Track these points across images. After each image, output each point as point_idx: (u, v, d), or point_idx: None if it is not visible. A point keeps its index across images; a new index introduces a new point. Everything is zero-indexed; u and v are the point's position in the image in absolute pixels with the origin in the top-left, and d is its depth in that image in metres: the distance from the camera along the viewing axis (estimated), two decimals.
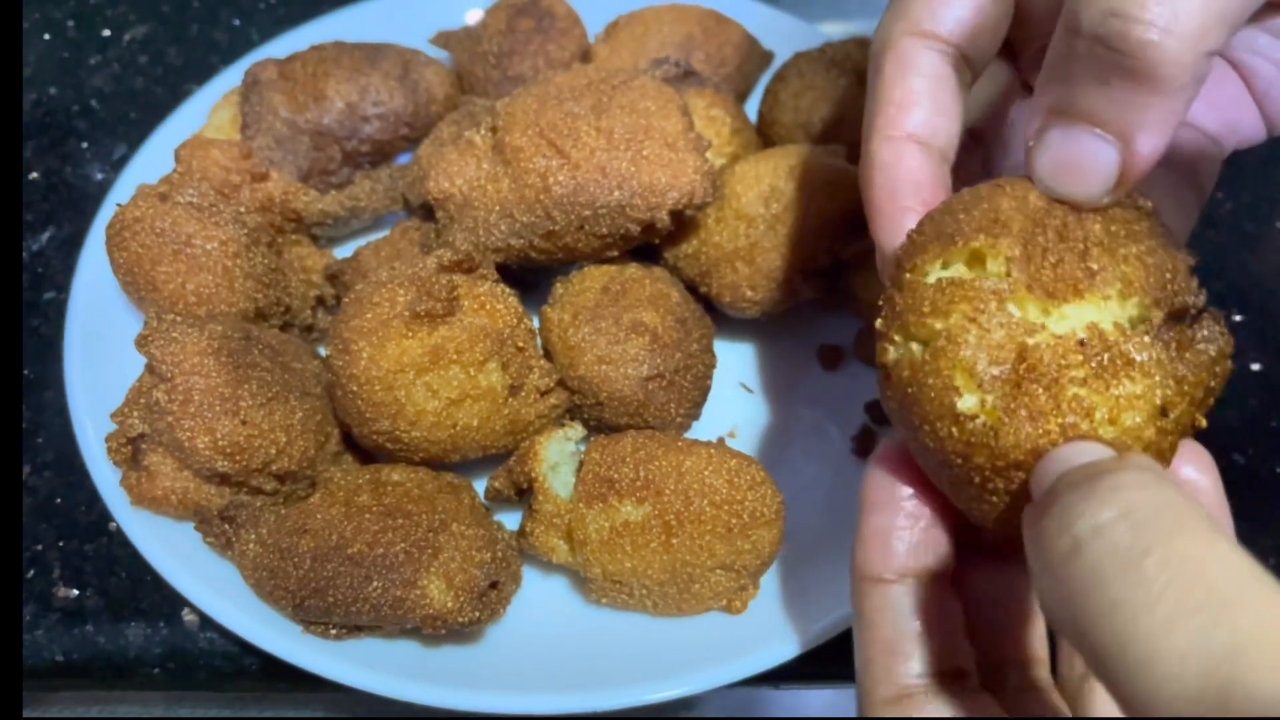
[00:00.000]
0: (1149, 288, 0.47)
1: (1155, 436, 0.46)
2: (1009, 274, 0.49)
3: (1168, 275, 0.48)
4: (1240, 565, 0.34)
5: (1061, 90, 0.49)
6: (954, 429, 0.48)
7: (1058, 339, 0.47)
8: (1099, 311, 0.48)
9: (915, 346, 0.51)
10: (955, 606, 0.52)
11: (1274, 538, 0.86)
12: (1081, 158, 0.49)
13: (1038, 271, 0.48)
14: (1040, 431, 0.46)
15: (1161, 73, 0.45)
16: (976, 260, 0.50)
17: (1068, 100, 0.49)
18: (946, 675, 0.50)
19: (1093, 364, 0.46)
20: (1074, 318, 0.48)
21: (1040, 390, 0.46)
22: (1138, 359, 0.46)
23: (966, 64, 0.59)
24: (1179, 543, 0.35)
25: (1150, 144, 0.48)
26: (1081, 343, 0.46)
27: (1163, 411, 0.46)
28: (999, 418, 0.47)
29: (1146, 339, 0.46)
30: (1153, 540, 0.35)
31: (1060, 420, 0.46)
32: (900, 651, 0.50)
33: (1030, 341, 0.47)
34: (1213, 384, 0.47)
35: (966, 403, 0.48)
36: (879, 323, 0.53)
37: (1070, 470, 0.42)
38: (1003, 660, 0.55)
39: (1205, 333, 0.47)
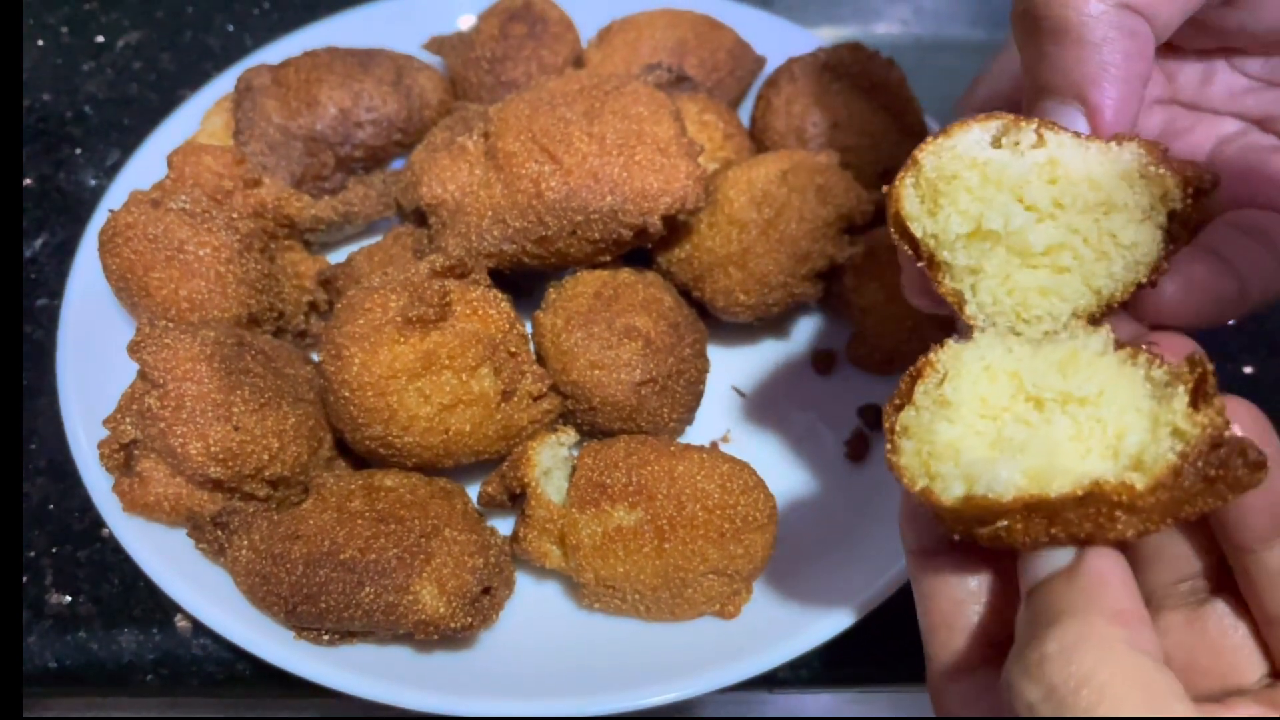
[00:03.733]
0: None
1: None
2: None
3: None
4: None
5: (1027, 75, 0.55)
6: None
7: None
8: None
9: None
10: (1009, 570, 0.52)
11: None
12: (1058, 122, 0.53)
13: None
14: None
15: (1075, 22, 0.51)
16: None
17: (1030, 81, 0.54)
18: (1005, 643, 0.50)
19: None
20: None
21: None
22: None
23: None
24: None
25: (1100, 96, 0.52)
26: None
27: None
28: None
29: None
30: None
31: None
32: (956, 625, 0.52)
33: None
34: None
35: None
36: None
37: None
38: None
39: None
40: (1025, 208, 0.53)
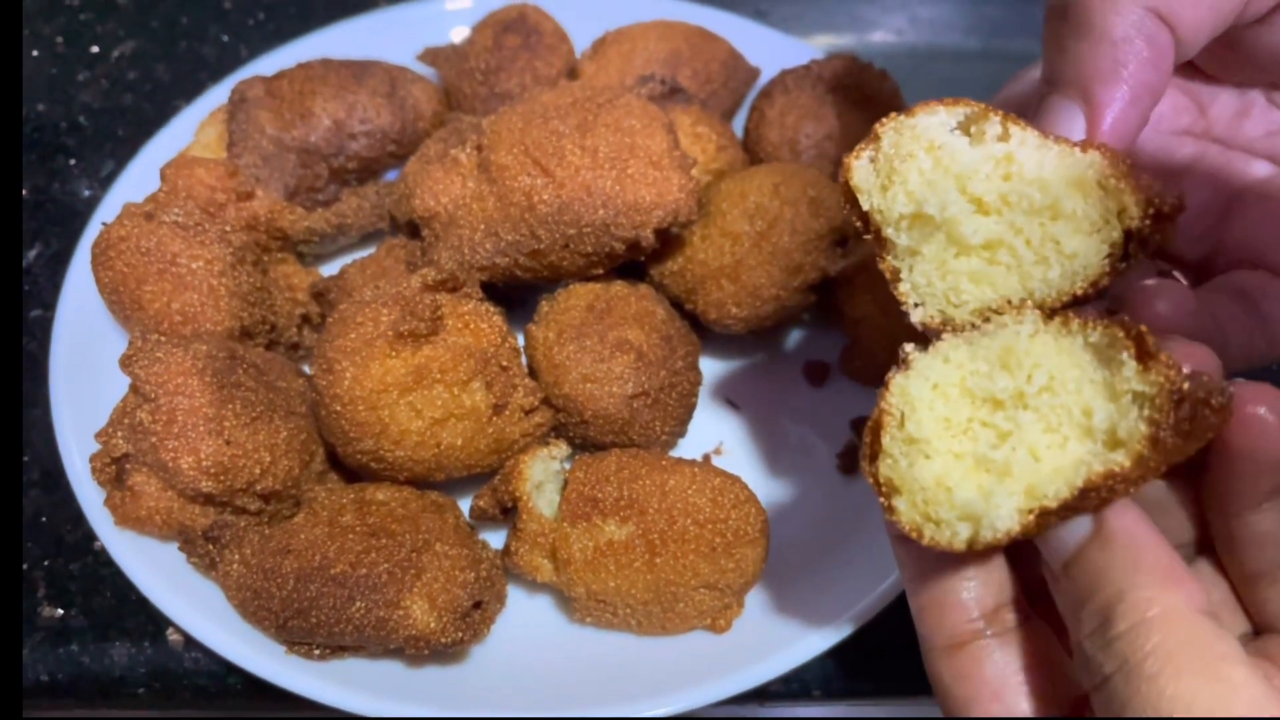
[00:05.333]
0: None
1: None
2: None
3: None
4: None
5: (1044, 65, 0.55)
6: None
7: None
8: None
9: None
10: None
11: None
12: (1056, 118, 0.54)
13: None
14: None
15: (1100, 17, 0.52)
16: None
17: (1044, 73, 0.55)
18: (997, 611, 0.52)
19: None
20: None
21: None
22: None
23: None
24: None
25: (1106, 94, 0.52)
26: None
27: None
28: None
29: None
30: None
31: None
32: (949, 601, 0.53)
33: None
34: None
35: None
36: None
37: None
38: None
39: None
40: (968, 199, 0.53)
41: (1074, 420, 0.48)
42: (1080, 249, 0.51)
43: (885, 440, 0.50)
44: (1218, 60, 0.64)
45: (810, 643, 0.75)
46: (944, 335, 0.53)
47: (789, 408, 0.92)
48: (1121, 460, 0.45)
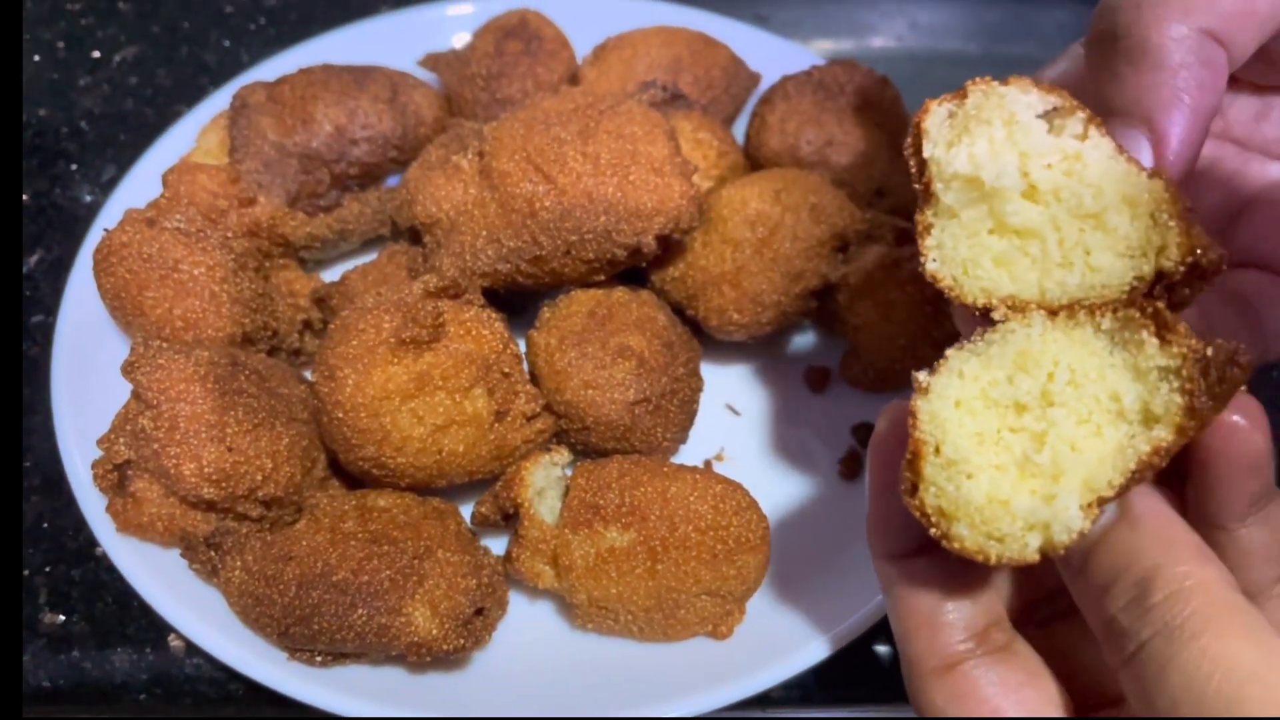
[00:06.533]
0: None
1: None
2: None
3: None
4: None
5: (1096, 93, 0.54)
6: None
7: None
8: None
9: None
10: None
11: None
12: (1122, 144, 0.52)
13: None
14: None
15: (1155, 45, 0.51)
16: None
17: (1099, 96, 0.54)
18: (986, 631, 0.53)
19: None
20: None
21: None
22: None
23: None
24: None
25: (1169, 124, 0.51)
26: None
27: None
28: None
29: None
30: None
31: None
32: (938, 622, 0.53)
33: None
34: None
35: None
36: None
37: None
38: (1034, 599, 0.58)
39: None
40: (1025, 180, 0.52)
41: (1104, 407, 0.48)
42: (1107, 266, 0.51)
43: (926, 470, 0.50)
44: (1243, 65, 0.64)
45: (812, 649, 0.75)
46: (948, 353, 0.52)
47: (790, 414, 0.92)
48: (1164, 434, 0.46)
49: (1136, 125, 0.53)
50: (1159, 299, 0.50)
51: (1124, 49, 0.53)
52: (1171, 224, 0.49)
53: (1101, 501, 0.47)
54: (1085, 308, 0.50)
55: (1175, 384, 0.47)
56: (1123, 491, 0.47)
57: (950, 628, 0.52)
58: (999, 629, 0.53)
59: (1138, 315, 0.48)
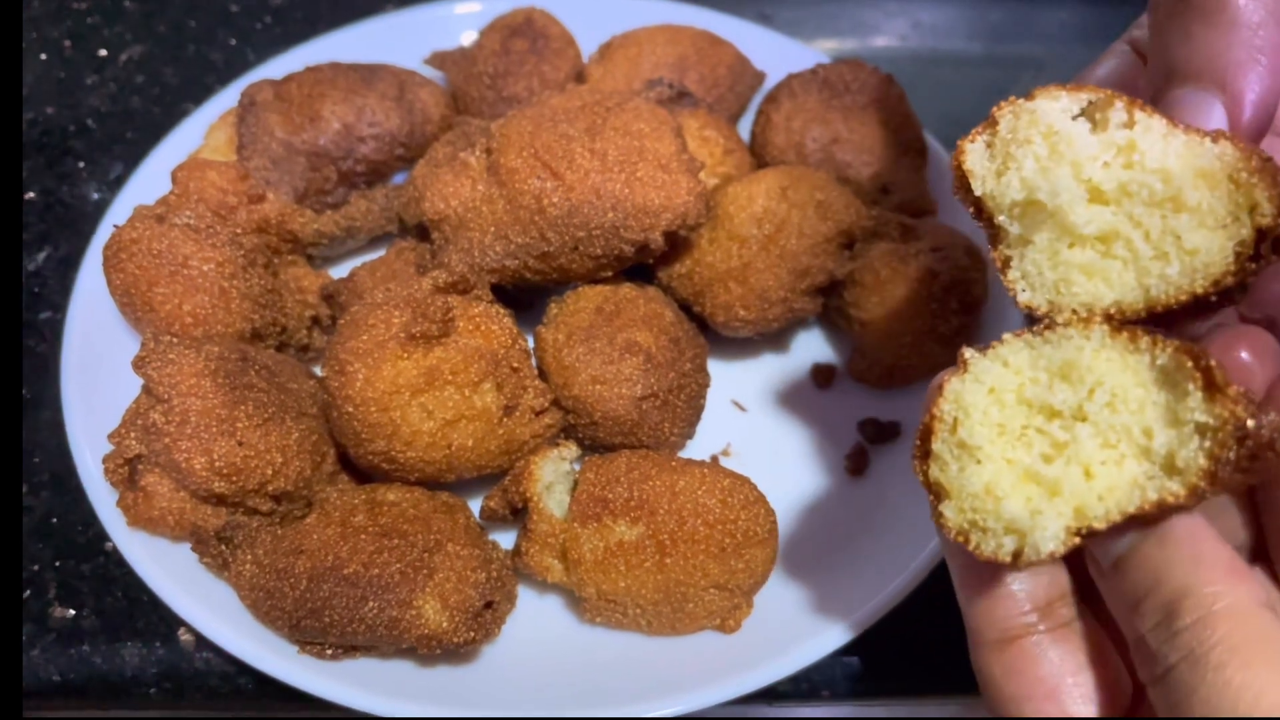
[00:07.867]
0: None
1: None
2: None
3: None
4: None
5: (1162, 56, 0.52)
6: None
7: None
8: None
9: None
10: None
11: None
12: (1189, 111, 0.51)
13: None
14: None
15: (1230, 4, 0.49)
16: None
17: (1164, 64, 0.51)
18: (1050, 605, 0.51)
19: None
20: None
21: None
22: None
23: None
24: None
25: (1245, 84, 0.49)
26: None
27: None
28: None
29: None
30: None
31: None
32: (1000, 594, 0.51)
33: None
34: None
35: None
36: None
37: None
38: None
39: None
40: (1084, 186, 0.50)
41: (1134, 440, 0.47)
42: (1203, 245, 0.48)
43: (936, 445, 0.50)
44: None
45: (819, 643, 0.75)
46: (1005, 336, 0.51)
47: (796, 409, 0.92)
48: (1176, 489, 0.45)
49: (1209, 88, 0.50)
50: (1266, 257, 0.47)
51: (1198, 6, 0.50)
52: (1254, 180, 0.47)
53: (1087, 533, 0.46)
54: (1150, 335, 0.48)
55: (1206, 445, 0.45)
56: (1111, 531, 0.46)
57: (1012, 599, 0.51)
58: (1064, 604, 0.52)
59: (1190, 364, 0.46)
